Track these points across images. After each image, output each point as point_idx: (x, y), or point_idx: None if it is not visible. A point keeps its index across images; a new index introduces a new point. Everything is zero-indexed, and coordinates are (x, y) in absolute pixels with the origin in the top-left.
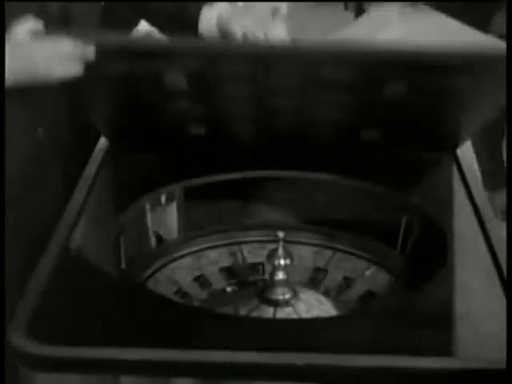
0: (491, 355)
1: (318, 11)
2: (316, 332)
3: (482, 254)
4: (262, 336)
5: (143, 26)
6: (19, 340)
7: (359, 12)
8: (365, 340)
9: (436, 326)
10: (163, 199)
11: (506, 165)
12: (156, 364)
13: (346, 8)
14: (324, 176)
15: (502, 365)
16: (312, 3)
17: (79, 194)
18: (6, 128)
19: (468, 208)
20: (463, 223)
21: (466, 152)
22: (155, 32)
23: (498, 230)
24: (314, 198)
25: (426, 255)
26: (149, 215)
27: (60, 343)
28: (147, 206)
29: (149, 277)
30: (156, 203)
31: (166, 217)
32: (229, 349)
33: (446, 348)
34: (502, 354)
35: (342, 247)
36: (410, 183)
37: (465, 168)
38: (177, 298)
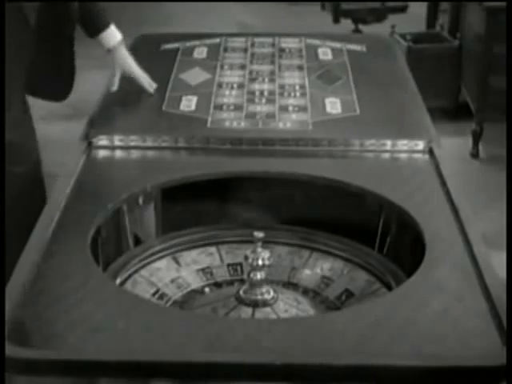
0: (470, 352)
1: (295, 10)
2: (294, 331)
3: (459, 252)
4: (240, 336)
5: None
6: None
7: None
8: (343, 339)
9: (414, 324)
10: (140, 200)
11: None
12: (133, 365)
13: (323, 8)
14: (302, 176)
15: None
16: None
17: (57, 195)
18: None
19: (446, 207)
20: (441, 222)
21: (443, 151)
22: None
23: (476, 229)
24: (291, 198)
25: (404, 254)
26: (126, 216)
27: (39, 346)
28: (124, 207)
29: (127, 278)
30: (133, 204)
31: (143, 218)
32: (207, 349)
33: (424, 346)
34: (481, 350)
35: (319, 247)
36: (387, 182)
37: (442, 167)
38: (154, 300)
